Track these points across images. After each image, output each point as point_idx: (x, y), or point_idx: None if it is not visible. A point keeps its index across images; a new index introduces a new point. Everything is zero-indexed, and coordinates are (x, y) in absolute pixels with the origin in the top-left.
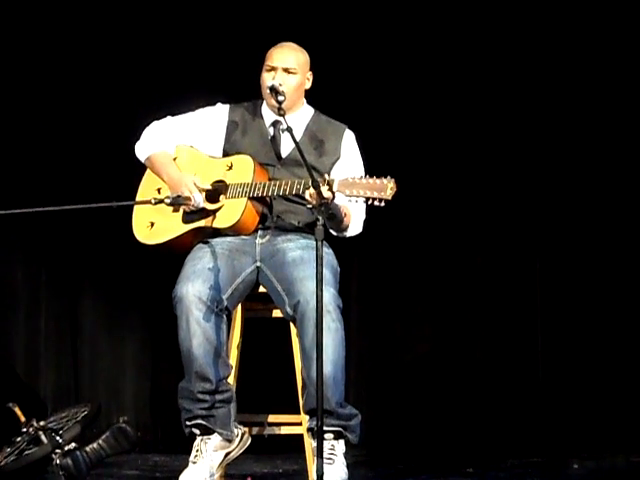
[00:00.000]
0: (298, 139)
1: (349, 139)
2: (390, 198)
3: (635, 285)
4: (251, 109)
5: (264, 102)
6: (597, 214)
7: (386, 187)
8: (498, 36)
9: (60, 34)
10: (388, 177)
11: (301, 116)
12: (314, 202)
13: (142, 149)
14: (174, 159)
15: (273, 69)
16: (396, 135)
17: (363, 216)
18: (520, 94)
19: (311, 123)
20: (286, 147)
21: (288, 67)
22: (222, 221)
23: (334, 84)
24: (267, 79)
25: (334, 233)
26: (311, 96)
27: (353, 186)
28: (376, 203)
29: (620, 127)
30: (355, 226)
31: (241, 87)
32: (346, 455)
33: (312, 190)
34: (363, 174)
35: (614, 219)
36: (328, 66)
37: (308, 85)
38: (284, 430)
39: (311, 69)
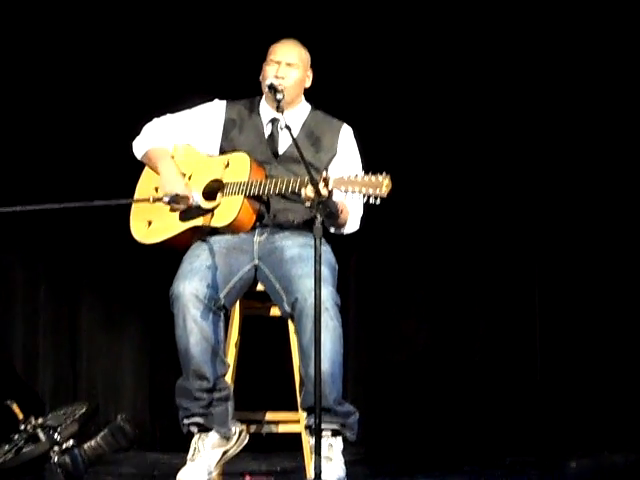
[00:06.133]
0: (295, 136)
1: (346, 135)
2: (385, 195)
3: (632, 286)
4: (248, 106)
5: (262, 99)
6: (596, 217)
7: (381, 184)
8: (497, 34)
9: (58, 31)
10: (384, 174)
11: (299, 113)
12: (311, 200)
13: (140, 145)
14: (172, 157)
15: (277, 63)
16: (395, 132)
17: (360, 213)
18: (518, 96)
19: (308, 119)
20: (283, 144)
21: (291, 61)
22: (219, 220)
23: (332, 81)
24: (270, 72)
25: (331, 230)
26: (310, 92)
27: (349, 183)
28: (372, 200)
29: (618, 133)
30: (352, 223)
31: (240, 85)
32: (344, 453)
33: (308, 188)
34: (360, 170)
35: (612, 222)
36: (326, 63)
37: (308, 83)
38: (282, 428)
39: (311, 67)
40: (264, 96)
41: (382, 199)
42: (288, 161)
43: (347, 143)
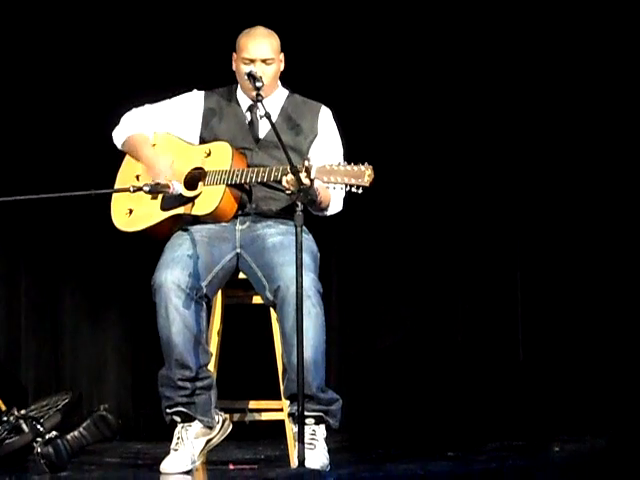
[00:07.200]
0: (274, 121)
1: (325, 116)
2: (368, 185)
3: (614, 270)
4: (226, 95)
5: (239, 87)
6: (577, 200)
7: (364, 174)
8: (479, 22)
9: (34, 23)
10: (366, 164)
11: (276, 98)
12: (292, 188)
13: (119, 134)
14: (152, 145)
15: (251, 61)
16: (376, 121)
17: (342, 194)
18: (497, 84)
19: (286, 104)
20: (263, 130)
21: (266, 57)
22: (200, 208)
23: (313, 66)
24: (245, 70)
25: (314, 213)
26: (288, 77)
27: (331, 173)
28: (354, 190)
29: (600, 131)
30: (335, 205)
31: (217, 73)
32: (327, 440)
33: (290, 177)
34: (342, 152)
35: (593, 205)
36: (306, 48)
37: (282, 67)
38: (265, 416)
39: (289, 51)
40: (240, 85)
41: (364, 189)
42: (269, 146)
43: (327, 124)
